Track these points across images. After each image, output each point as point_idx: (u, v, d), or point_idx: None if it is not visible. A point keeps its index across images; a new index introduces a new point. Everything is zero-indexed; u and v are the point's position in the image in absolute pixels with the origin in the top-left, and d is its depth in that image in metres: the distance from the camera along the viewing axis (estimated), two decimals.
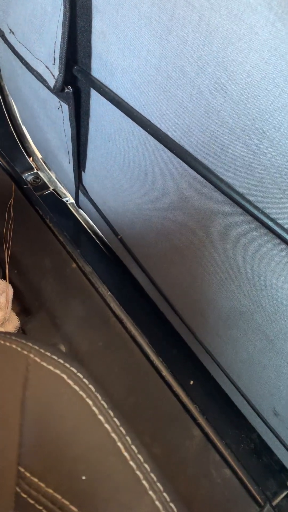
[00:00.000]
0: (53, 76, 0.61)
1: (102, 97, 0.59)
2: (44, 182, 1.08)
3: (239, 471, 0.71)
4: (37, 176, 1.09)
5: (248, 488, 0.70)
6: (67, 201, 1.07)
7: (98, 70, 0.57)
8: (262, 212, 0.42)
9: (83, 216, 1.05)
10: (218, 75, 0.38)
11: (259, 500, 0.69)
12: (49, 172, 1.10)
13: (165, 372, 0.79)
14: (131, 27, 0.46)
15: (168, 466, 0.70)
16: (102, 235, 1.01)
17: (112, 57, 0.52)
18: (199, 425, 0.75)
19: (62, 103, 0.69)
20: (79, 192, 0.94)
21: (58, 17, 0.54)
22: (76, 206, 1.05)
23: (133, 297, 0.91)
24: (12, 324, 0.86)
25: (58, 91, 0.63)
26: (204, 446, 0.73)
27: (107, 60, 0.53)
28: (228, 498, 0.69)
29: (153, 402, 0.77)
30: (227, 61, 0.36)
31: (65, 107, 0.68)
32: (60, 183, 1.09)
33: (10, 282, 0.90)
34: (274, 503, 0.70)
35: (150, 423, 0.74)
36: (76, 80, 0.62)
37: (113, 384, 0.77)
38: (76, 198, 0.99)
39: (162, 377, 0.79)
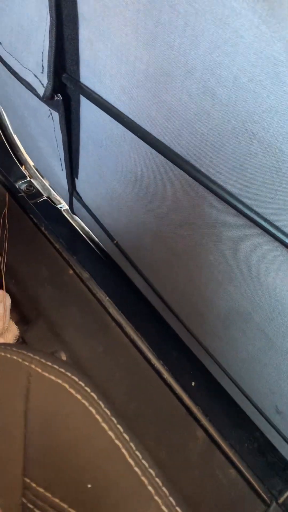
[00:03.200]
0: (42, 84, 0.62)
1: (92, 104, 0.59)
2: (38, 190, 1.08)
3: (244, 471, 0.71)
4: (30, 184, 1.09)
5: (254, 487, 0.70)
6: (61, 208, 1.07)
7: (86, 77, 0.57)
8: (255, 213, 0.43)
9: (78, 222, 1.05)
10: (206, 79, 0.38)
11: (266, 498, 0.69)
12: (42, 179, 1.10)
13: (166, 375, 0.79)
14: (117, 34, 0.46)
15: (173, 469, 0.70)
16: (98, 241, 1.01)
17: (100, 63, 0.52)
18: (202, 427, 0.75)
19: (52, 111, 0.69)
20: (73, 198, 0.94)
21: (45, 26, 0.54)
22: (70, 213, 1.05)
23: (132, 302, 0.91)
24: (12, 333, 0.86)
25: (47, 99, 0.63)
26: (208, 447, 0.73)
27: (95, 67, 0.54)
28: (235, 498, 0.69)
29: (155, 405, 0.77)
30: (214, 64, 0.36)
31: (56, 115, 0.68)
32: (53, 190, 1.09)
33: (7, 291, 0.90)
34: (280, 501, 0.70)
35: (153, 427, 0.74)
36: (65, 87, 0.62)
37: (115, 389, 0.77)
38: (71, 205, 0.99)
39: (164, 380, 0.79)
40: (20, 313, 0.88)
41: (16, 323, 0.87)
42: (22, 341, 0.85)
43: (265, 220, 0.42)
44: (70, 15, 0.51)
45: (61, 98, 0.63)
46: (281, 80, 0.31)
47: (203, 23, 0.35)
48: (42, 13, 0.52)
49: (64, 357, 0.81)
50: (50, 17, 0.51)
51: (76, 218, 1.05)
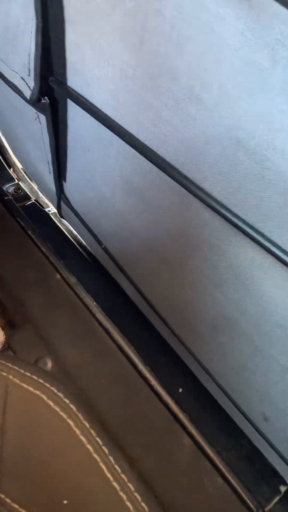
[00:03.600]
0: (29, 87, 0.61)
1: (79, 107, 0.58)
2: (26, 193, 1.07)
3: (231, 479, 0.70)
4: (18, 187, 1.07)
5: (240, 495, 0.69)
6: (49, 211, 1.06)
7: (74, 81, 0.56)
8: (241, 220, 0.42)
9: (67, 226, 1.04)
10: (192, 84, 0.38)
11: (252, 507, 0.68)
12: (31, 182, 1.09)
13: (153, 381, 0.79)
14: (104, 37, 0.45)
15: (160, 477, 0.69)
16: (86, 245, 1.00)
17: (87, 67, 0.52)
18: (189, 434, 0.74)
19: (40, 114, 0.68)
20: (61, 202, 0.94)
21: (31, 28, 0.53)
22: (58, 216, 1.04)
23: (119, 307, 0.90)
24: None
25: (34, 102, 0.63)
26: (195, 455, 0.73)
27: (83, 70, 0.53)
28: (221, 508, 0.68)
29: (142, 412, 0.76)
30: (200, 70, 0.36)
31: (43, 118, 0.68)
32: (41, 193, 1.09)
33: None
34: (267, 509, 0.69)
35: (140, 434, 0.73)
36: (52, 90, 0.62)
37: (101, 395, 0.76)
38: (59, 208, 0.98)
39: (151, 387, 0.79)
40: (6, 318, 0.87)
41: (2, 328, 0.86)
42: (8, 347, 0.84)
43: (251, 227, 0.42)
44: (56, 17, 0.50)
45: (48, 101, 0.62)
46: (266, 87, 0.31)
47: (189, 28, 0.34)
48: (29, 14, 0.51)
49: (49, 363, 0.80)
50: (36, 19, 0.51)
51: (64, 221, 1.04)
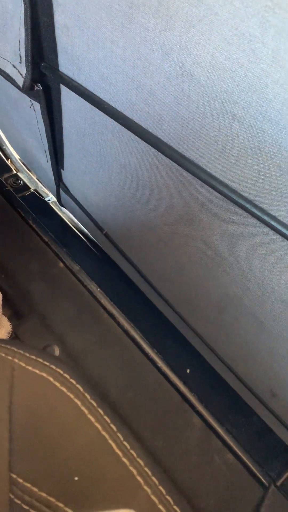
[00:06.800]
0: (21, 75, 0.60)
1: (72, 92, 0.58)
2: (25, 183, 1.07)
3: (242, 455, 0.71)
4: (16, 178, 1.07)
5: (252, 471, 0.70)
6: (49, 200, 1.06)
7: (65, 65, 0.56)
8: (240, 195, 0.42)
9: (67, 214, 1.04)
10: (183, 60, 0.37)
11: (264, 481, 0.69)
12: (29, 172, 1.09)
13: (160, 363, 0.79)
14: (92, 18, 0.45)
15: (171, 457, 0.70)
16: (87, 232, 1.00)
17: (78, 50, 0.51)
18: (198, 413, 0.75)
19: (34, 102, 0.68)
20: (60, 190, 0.93)
21: (20, 13, 0.52)
22: (58, 205, 1.04)
23: (123, 292, 0.90)
24: (4, 329, 0.86)
25: (28, 90, 0.62)
26: (205, 434, 0.73)
27: (73, 54, 0.53)
28: (233, 483, 0.69)
29: (151, 394, 0.77)
30: (190, 44, 0.35)
31: (37, 105, 0.67)
32: (40, 183, 1.08)
33: None
34: (278, 483, 0.70)
35: (149, 416, 0.74)
36: (45, 77, 0.61)
37: (110, 380, 0.77)
38: (58, 197, 0.98)
39: (158, 369, 0.79)
40: (12, 308, 0.88)
41: (8, 318, 0.87)
42: (15, 337, 0.84)
43: (250, 202, 0.42)
44: (44, 0, 0.49)
45: (41, 88, 0.62)
46: (258, 57, 0.31)
47: (177, 1, 0.34)
48: (16, 0, 0.51)
49: (57, 351, 0.80)
50: (24, 3, 0.50)
51: (65, 210, 1.04)
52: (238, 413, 0.78)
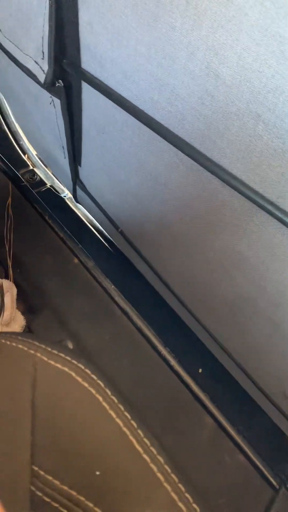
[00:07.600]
0: (43, 71, 0.61)
1: (93, 89, 0.58)
2: (41, 179, 1.08)
3: (253, 456, 0.71)
4: (33, 173, 1.08)
5: (262, 472, 0.70)
6: (65, 196, 1.07)
7: (87, 62, 0.56)
8: (261, 197, 0.42)
9: (82, 211, 1.05)
10: (209, 60, 0.37)
11: (274, 483, 0.69)
12: (45, 168, 1.10)
13: (173, 362, 0.79)
14: (117, 16, 0.45)
15: (181, 456, 0.71)
16: (102, 229, 1.01)
17: (101, 48, 0.51)
18: (210, 413, 0.75)
19: (54, 98, 0.68)
20: (77, 187, 0.94)
21: (44, 10, 0.53)
22: (74, 201, 1.04)
23: (137, 289, 0.90)
24: (18, 323, 0.86)
25: (49, 86, 0.62)
26: (216, 434, 0.73)
27: (96, 52, 0.53)
28: (243, 484, 0.69)
29: (163, 392, 0.77)
30: (218, 44, 0.35)
31: (57, 102, 0.68)
32: (57, 179, 1.09)
33: (13, 281, 0.90)
34: None
35: (161, 414, 0.74)
36: (66, 73, 0.61)
37: (122, 377, 0.77)
38: (74, 193, 0.99)
39: (171, 367, 0.79)
40: (26, 302, 0.88)
41: (22, 313, 0.87)
42: (28, 331, 0.85)
43: (272, 204, 0.41)
44: None
45: (63, 85, 0.62)
46: (287, 58, 0.31)
47: (206, 1, 0.34)
48: None
49: (71, 346, 0.81)
50: (49, 0, 0.50)
51: (80, 206, 1.04)
52: (250, 414, 0.78)
